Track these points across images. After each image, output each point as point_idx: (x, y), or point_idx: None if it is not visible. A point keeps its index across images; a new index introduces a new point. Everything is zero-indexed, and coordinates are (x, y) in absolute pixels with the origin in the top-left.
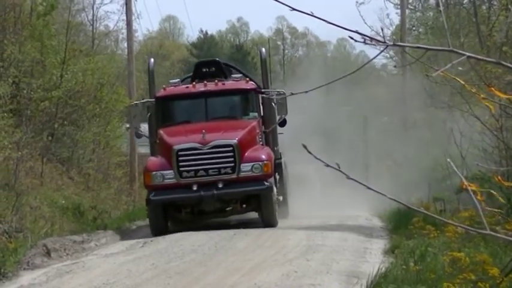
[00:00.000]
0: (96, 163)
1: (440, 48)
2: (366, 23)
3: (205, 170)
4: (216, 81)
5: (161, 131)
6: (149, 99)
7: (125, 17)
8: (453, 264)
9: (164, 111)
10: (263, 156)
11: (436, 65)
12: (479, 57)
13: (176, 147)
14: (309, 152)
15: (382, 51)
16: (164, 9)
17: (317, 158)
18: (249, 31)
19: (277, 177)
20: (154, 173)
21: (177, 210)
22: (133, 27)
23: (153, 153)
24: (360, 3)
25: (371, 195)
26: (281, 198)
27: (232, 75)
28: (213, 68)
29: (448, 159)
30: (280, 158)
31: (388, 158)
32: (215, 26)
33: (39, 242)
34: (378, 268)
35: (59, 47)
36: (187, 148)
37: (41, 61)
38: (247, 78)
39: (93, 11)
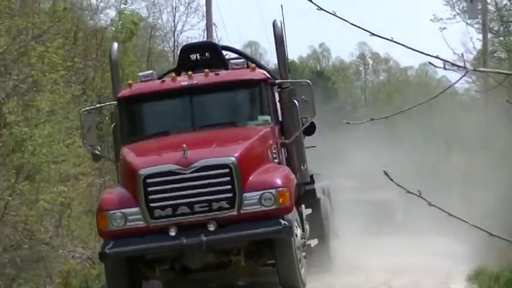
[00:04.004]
0: None
1: None
2: (449, 46)
3: (189, 205)
4: (207, 71)
5: (125, 149)
6: (110, 103)
7: None
8: None
9: (130, 118)
10: (277, 181)
11: None
12: None
13: (143, 172)
14: (390, 179)
15: (462, 76)
16: (245, 35)
17: (399, 185)
18: (331, 57)
19: (307, 211)
20: (111, 212)
21: (148, 267)
22: None
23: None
24: (443, 29)
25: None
26: (315, 242)
27: (231, 61)
28: (207, 54)
29: None
30: (313, 183)
31: (471, 184)
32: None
33: None
34: None
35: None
36: (160, 173)
37: None
38: (254, 65)
39: (174, 37)
